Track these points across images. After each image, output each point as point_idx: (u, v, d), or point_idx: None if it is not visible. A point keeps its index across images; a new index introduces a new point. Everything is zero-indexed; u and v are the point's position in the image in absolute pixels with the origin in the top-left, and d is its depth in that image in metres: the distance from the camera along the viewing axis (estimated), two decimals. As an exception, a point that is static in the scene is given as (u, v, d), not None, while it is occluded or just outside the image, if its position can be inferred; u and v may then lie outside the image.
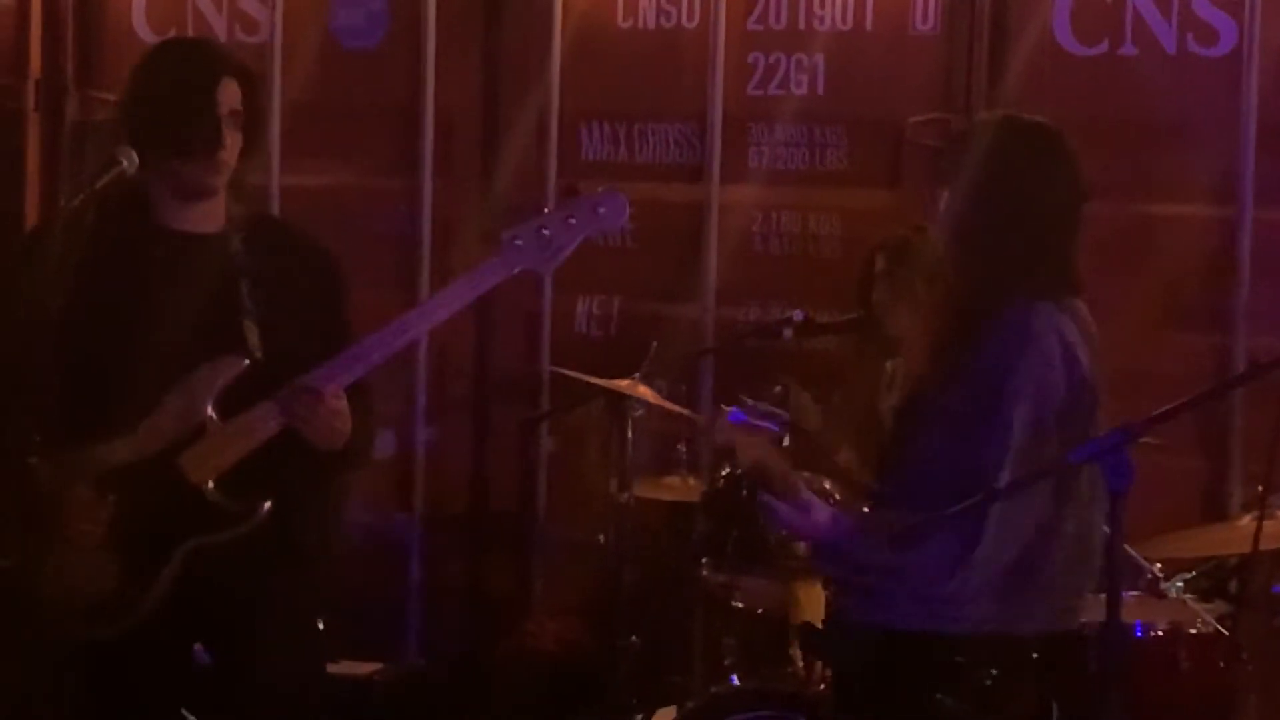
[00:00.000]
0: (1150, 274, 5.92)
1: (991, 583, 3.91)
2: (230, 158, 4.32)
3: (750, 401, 4.00)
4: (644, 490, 5.73)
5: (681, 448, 5.90)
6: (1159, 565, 4.92)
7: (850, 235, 6.36)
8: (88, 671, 4.34)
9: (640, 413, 5.64)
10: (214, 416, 4.24)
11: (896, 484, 3.98)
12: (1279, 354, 3.77)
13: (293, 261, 4.43)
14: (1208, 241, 5.95)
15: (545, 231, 4.21)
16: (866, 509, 3.99)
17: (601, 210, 4.21)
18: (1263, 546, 4.55)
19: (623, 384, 5.59)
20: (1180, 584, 4.90)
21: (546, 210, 4.24)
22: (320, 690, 4.61)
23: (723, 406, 4.03)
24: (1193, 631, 4.81)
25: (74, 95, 7.26)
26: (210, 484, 4.23)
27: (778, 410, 3.99)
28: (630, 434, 5.61)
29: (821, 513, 3.92)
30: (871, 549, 3.90)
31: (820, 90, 6.37)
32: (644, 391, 5.59)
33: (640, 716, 5.67)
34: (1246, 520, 4.80)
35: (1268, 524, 4.60)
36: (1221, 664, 4.78)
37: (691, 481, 5.80)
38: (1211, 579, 5.00)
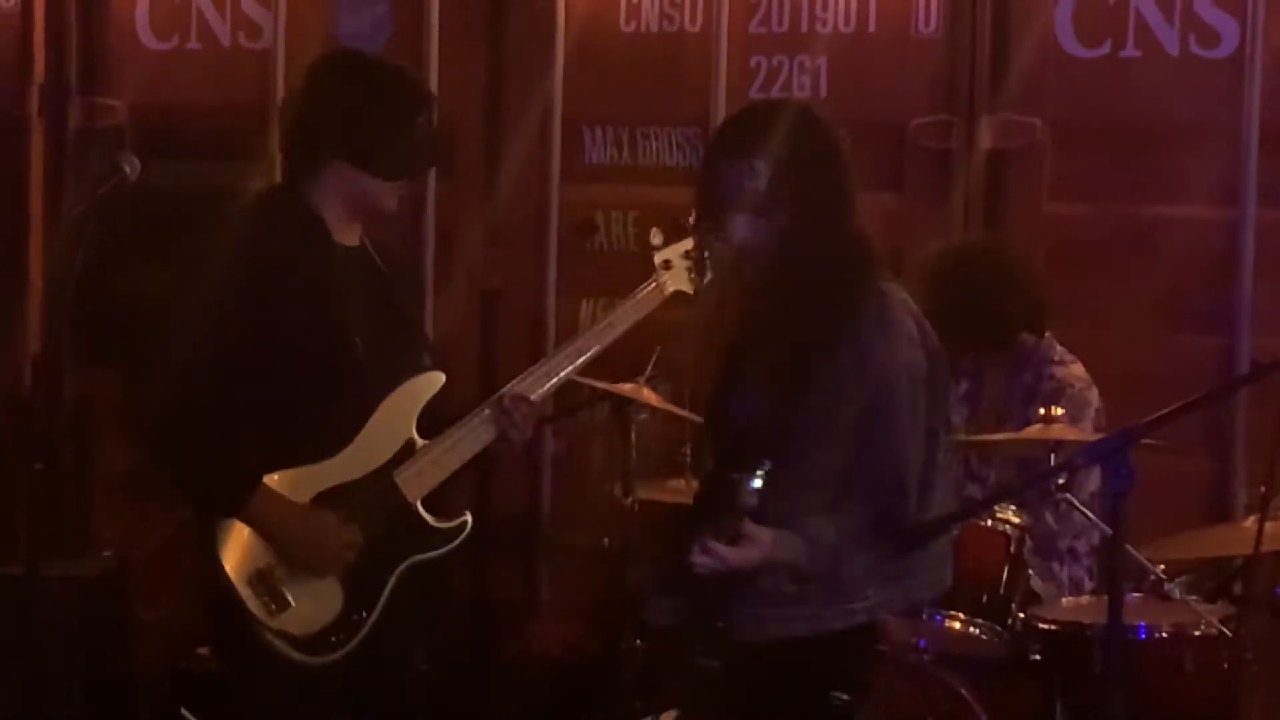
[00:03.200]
0: (1153, 276, 5.92)
1: (883, 569, 3.97)
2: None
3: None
4: (648, 493, 5.72)
5: (685, 451, 5.89)
6: (1162, 567, 4.92)
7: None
8: (301, 699, 4.28)
9: (644, 416, 5.64)
10: (416, 434, 4.30)
11: (782, 491, 3.90)
12: (1281, 355, 3.78)
13: (404, 274, 4.54)
14: (1210, 243, 5.94)
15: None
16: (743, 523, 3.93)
17: None
18: (1266, 548, 4.55)
19: (627, 388, 5.59)
20: (1184, 585, 4.90)
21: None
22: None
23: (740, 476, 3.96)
24: (1196, 633, 4.81)
25: (77, 101, 7.27)
26: (418, 502, 4.29)
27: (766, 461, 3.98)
28: (634, 438, 5.61)
29: (765, 539, 3.89)
30: (811, 559, 3.93)
31: (823, 93, 6.37)
32: (648, 395, 5.60)
33: (645, 720, 5.67)
34: (1250, 521, 4.80)
35: (1271, 525, 4.60)
36: (1225, 665, 4.79)
37: (695, 485, 5.80)
38: (1215, 580, 5.00)
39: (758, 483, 3.82)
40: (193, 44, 7.15)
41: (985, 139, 6.12)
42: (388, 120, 4.30)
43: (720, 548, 3.86)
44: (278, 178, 6.67)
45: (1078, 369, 5.56)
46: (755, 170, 3.98)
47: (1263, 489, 4.64)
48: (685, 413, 5.78)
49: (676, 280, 4.55)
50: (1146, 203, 6.01)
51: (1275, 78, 5.84)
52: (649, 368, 5.68)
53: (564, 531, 6.63)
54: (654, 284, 4.57)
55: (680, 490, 5.82)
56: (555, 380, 4.45)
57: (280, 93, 6.80)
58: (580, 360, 4.49)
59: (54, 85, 7.28)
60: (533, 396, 4.37)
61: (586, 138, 6.73)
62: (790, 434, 3.95)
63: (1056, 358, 5.59)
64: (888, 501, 3.91)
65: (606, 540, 5.75)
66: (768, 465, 3.82)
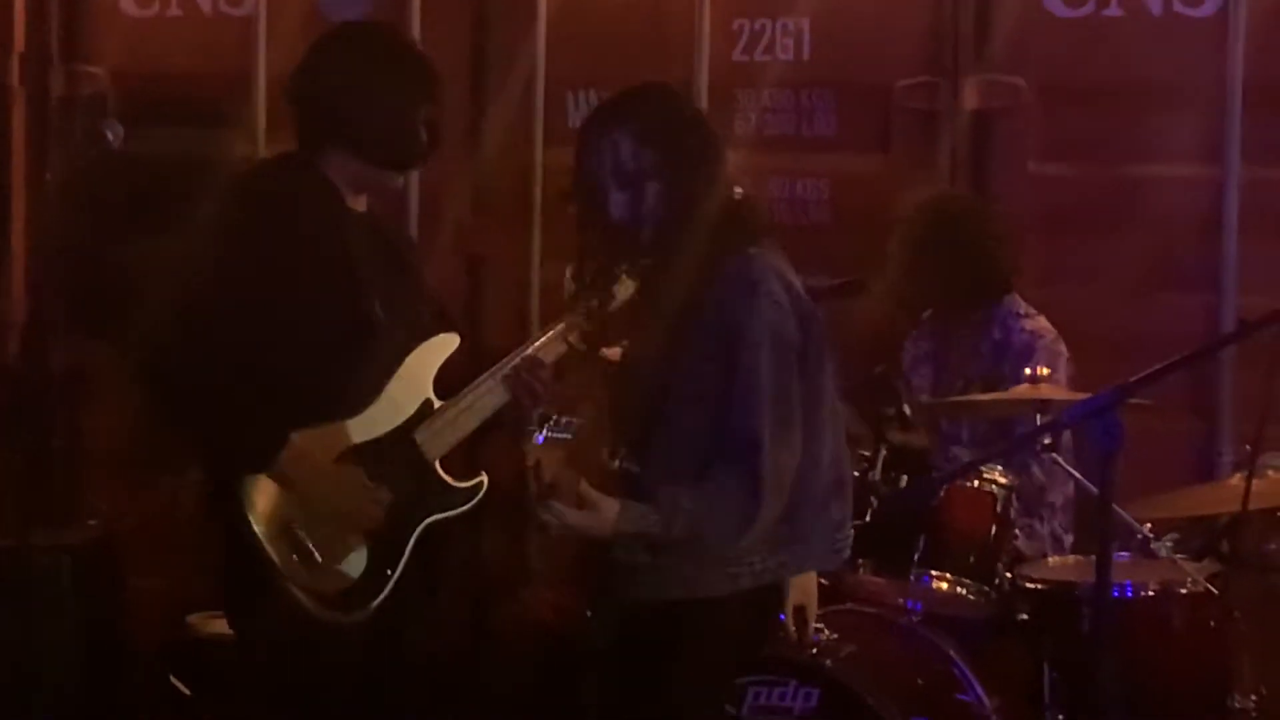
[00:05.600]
0: (1138, 235, 5.92)
1: (767, 532, 4.01)
2: None
3: (552, 418, 4.04)
4: (635, 458, 5.73)
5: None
6: (1150, 525, 4.93)
7: (839, 200, 6.36)
8: (321, 653, 4.29)
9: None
10: (434, 396, 4.33)
11: (652, 456, 4.05)
12: (1268, 312, 3.79)
13: (405, 239, 4.65)
14: (1195, 202, 5.95)
15: None
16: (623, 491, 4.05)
17: None
18: (1253, 505, 4.56)
19: (612, 352, 5.58)
20: (1171, 544, 4.91)
21: None
22: None
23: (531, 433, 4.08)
24: (1184, 591, 4.83)
25: (59, 70, 7.24)
26: (437, 463, 4.33)
27: (572, 419, 4.04)
28: (556, 416, 5.60)
29: (609, 509, 3.99)
30: (667, 528, 3.99)
31: (806, 55, 6.36)
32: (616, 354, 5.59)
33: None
34: (1237, 479, 4.81)
35: (1258, 483, 4.61)
36: (1212, 623, 4.81)
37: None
38: (1202, 538, 5.01)
39: (541, 438, 3.99)
40: (174, 11, 7.12)
41: (970, 99, 6.12)
42: (389, 111, 4.33)
43: (558, 506, 3.97)
44: (260, 145, 6.76)
45: (1044, 321, 5.61)
46: (616, 144, 4.10)
47: (1249, 447, 4.65)
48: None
49: None
50: (1131, 162, 6.01)
51: (1258, 36, 5.85)
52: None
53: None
54: None
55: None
56: (558, 346, 4.47)
57: (262, 61, 6.79)
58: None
59: (35, 54, 7.24)
60: (547, 360, 4.39)
61: (570, 102, 6.71)
62: (660, 398, 4.06)
63: (1023, 311, 5.63)
64: (743, 458, 3.97)
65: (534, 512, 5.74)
66: (565, 421, 3.98)
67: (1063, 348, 5.55)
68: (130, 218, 6.40)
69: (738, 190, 4.19)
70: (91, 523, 6.41)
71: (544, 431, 3.99)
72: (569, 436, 4.00)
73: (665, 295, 4.10)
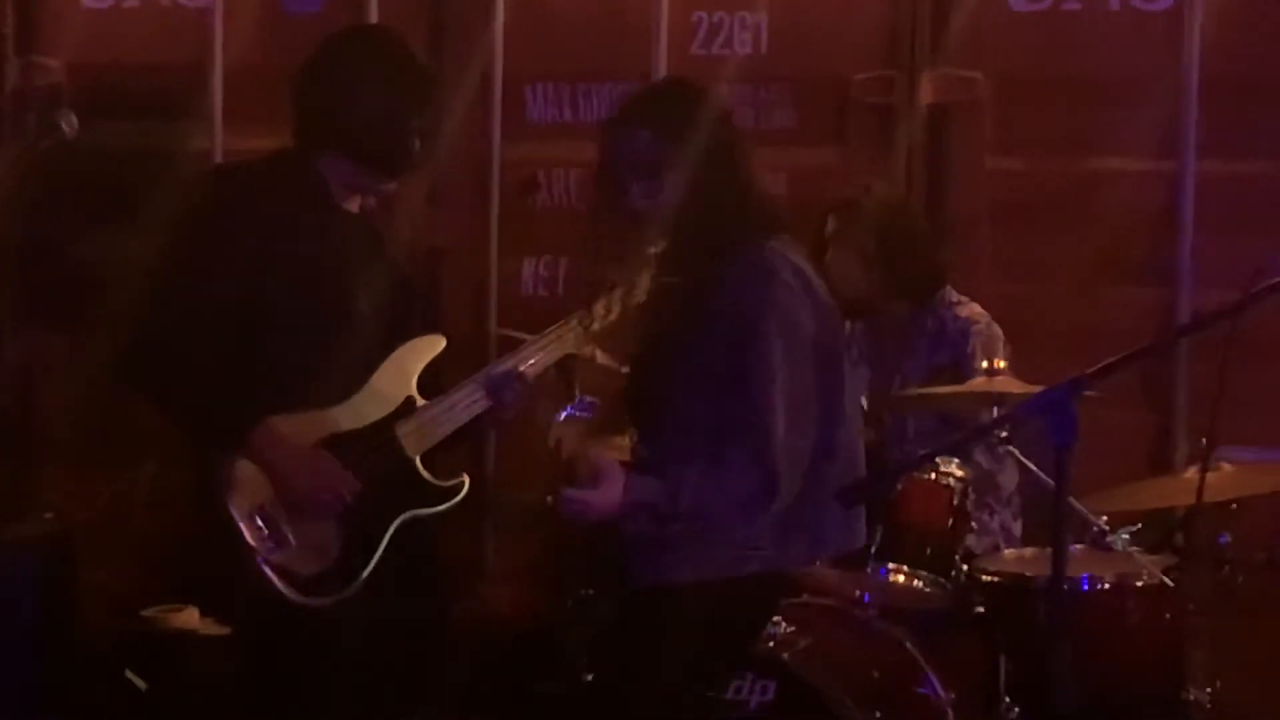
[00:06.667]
0: (1094, 228, 5.95)
1: (778, 519, 4.09)
2: None
3: (576, 398, 4.09)
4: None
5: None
6: (1105, 518, 4.94)
7: (797, 194, 6.36)
8: (294, 639, 4.33)
9: (589, 374, 5.63)
10: (417, 394, 4.38)
11: (663, 439, 4.14)
12: (1222, 306, 3.80)
13: (391, 240, 4.64)
14: (1151, 195, 5.97)
15: None
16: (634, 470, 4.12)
17: None
18: (1207, 499, 4.57)
19: (586, 351, 5.58)
20: (1126, 537, 4.92)
21: None
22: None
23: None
24: (1139, 584, 4.84)
25: (14, 61, 7.20)
26: (418, 459, 4.37)
27: (594, 399, 4.15)
28: (579, 396, 5.60)
29: (616, 485, 4.07)
30: (674, 500, 4.05)
31: (764, 49, 6.37)
32: (592, 353, 5.58)
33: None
34: (1192, 472, 4.83)
35: (1212, 476, 4.63)
36: (1168, 616, 4.82)
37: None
38: (1157, 531, 5.02)
39: (562, 415, 4.11)
40: (130, 2, 7.09)
41: (927, 93, 6.13)
42: (384, 117, 4.39)
43: (575, 490, 4.05)
44: (217, 136, 6.74)
45: (977, 307, 5.61)
46: (636, 137, 4.16)
47: (1204, 440, 4.66)
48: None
49: None
50: (1087, 156, 6.03)
51: (1215, 30, 5.87)
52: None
53: (509, 491, 6.62)
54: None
55: (625, 446, 5.82)
56: (549, 357, 4.51)
57: (220, 51, 6.77)
58: (571, 338, 4.57)
59: (-10, 46, 7.22)
60: (526, 370, 4.48)
61: (528, 96, 6.71)
62: (668, 380, 4.13)
63: (954, 299, 5.63)
64: (755, 444, 4.01)
65: (551, 498, 5.74)
66: (586, 400, 4.07)
67: (998, 331, 5.55)
68: (86, 210, 6.39)
69: (759, 185, 4.27)
70: (47, 516, 6.38)
71: (566, 409, 4.04)
72: (588, 415, 4.04)
73: (680, 281, 4.15)
